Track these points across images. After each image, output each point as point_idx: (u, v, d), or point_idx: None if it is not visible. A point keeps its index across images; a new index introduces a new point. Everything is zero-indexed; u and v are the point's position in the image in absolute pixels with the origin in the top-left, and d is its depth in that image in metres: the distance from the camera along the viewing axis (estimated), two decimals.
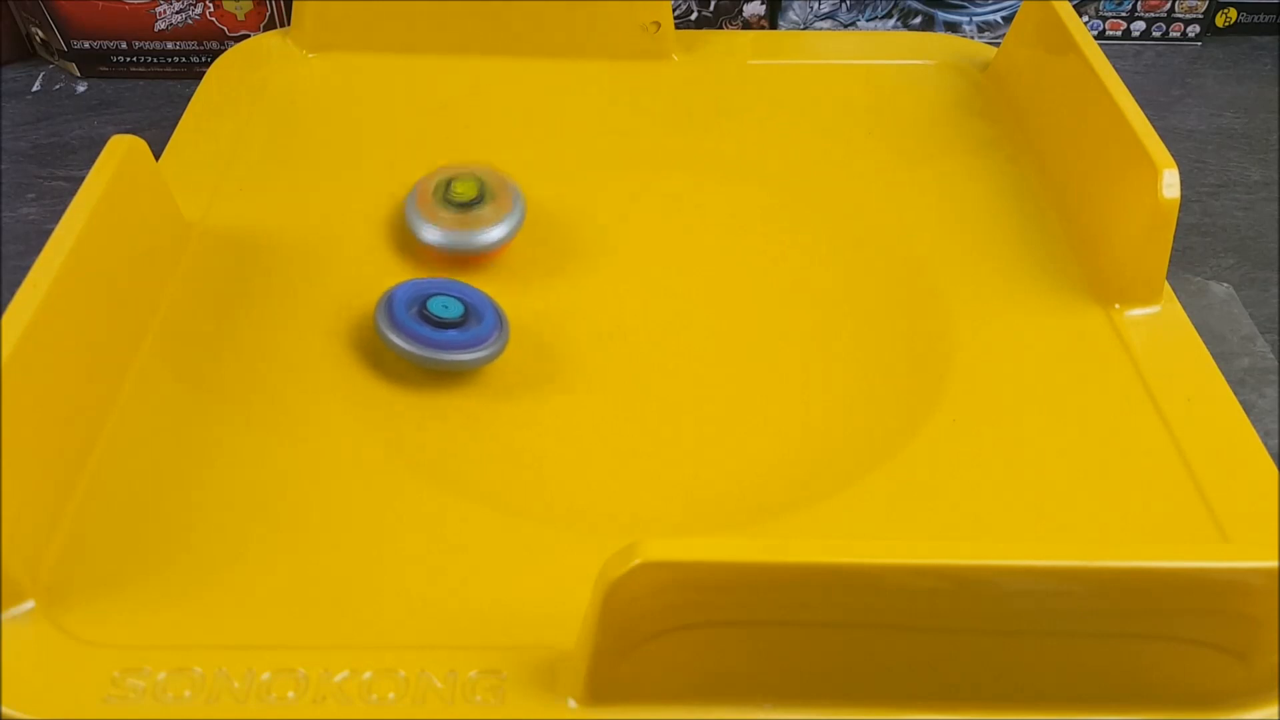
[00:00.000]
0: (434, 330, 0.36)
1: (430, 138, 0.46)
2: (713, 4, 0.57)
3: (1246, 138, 0.55)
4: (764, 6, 0.57)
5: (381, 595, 0.30)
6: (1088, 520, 0.32)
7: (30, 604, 0.28)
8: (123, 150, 0.36)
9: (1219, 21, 0.61)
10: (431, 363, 0.36)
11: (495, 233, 0.39)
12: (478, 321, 0.36)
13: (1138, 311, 0.38)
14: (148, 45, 0.55)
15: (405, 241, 0.41)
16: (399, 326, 0.36)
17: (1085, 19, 0.59)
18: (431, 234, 0.39)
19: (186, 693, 0.27)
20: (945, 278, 0.40)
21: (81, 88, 0.55)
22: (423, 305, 0.36)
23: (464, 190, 0.40)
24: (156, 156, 0.39)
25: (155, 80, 0.56)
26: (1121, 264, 0.39)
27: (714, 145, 0.46)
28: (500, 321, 0.37)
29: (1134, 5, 0.60)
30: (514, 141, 0.46)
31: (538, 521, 0.32)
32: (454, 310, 0.36)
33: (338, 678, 0.27)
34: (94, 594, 0.29)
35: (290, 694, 0.27)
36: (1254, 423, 0.35)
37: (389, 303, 0.36)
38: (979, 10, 0.58)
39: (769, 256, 0.42)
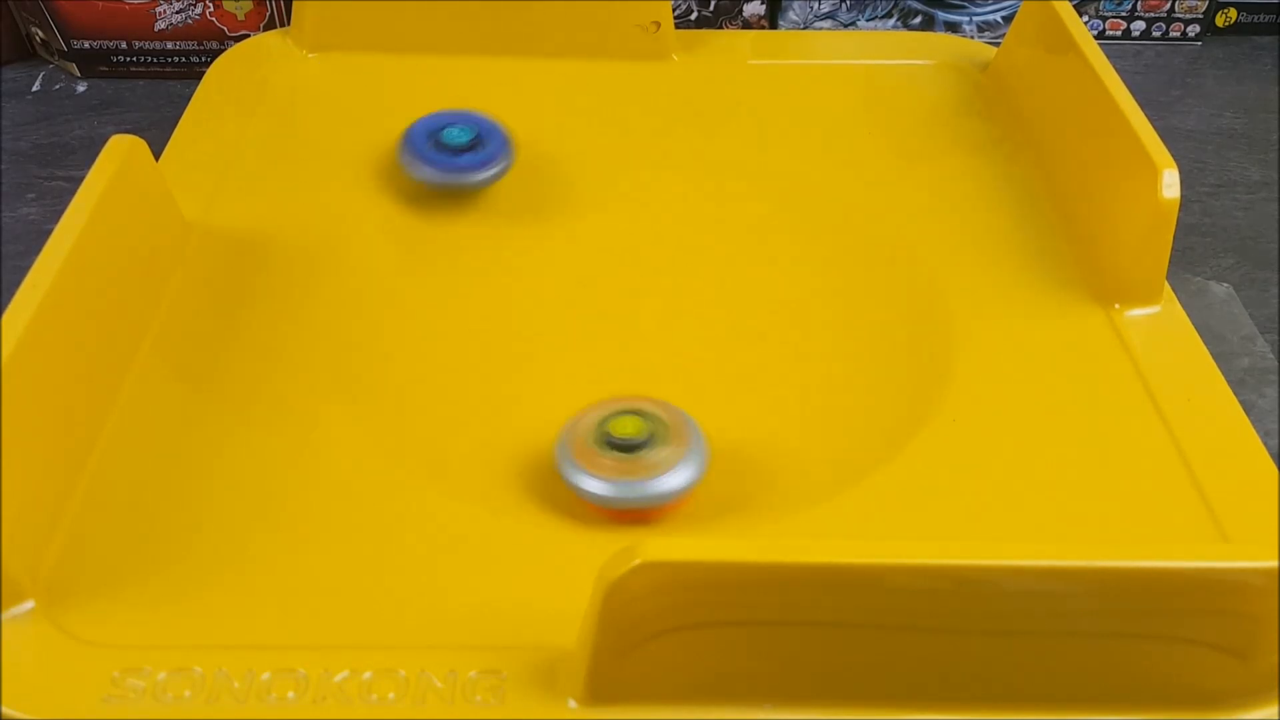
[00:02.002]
0: (450, 156, 0.41)
1: None
2: (713, 4, 0.57)
3: (1246, 138, 0.55)
4: (764, 6, 0.57)
5: (381, 595, 0.30)
6: (1088, 520, 0.32)
7: (30, 604, 0.28)
8: (123, 150, 0.36)
9: (1219, 21, 0.61)
10: (450, 186, 0.41)
11: (673, 480, 0.31)
12: (485, 145, 0.41)
13: (1138, 311, 0.38)
14: (148, 45, 0.55)
15: (405, 240, 0.41)
16: (419, 156, 0.40)
17: (1085, 19, 0.59)
18: (593, 485, 0.31)
19: (186, 693, 0.27)
20: (945, 278, 0.40)
21: (81, 88, 0.55)
22: (438, 136, 0.41)
23: (626, 429, 0.32)
24: (156, 156, 0.39)
25: (155, 80, 0.56)
26: (1121, 264, 0.39)
27: (714, 145, 0.46)
28: (507, 143, 0.42)
29: (1134, 5, 0.60)
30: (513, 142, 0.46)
31: (538, 521, 0.32)
32: (465, 137, 0.41)
33: (338, 678, 0.27)
34: (94, 594, 0.29)
35: (290, 694, 0.27)
36: (1254, 423, 0.35)
37: (408, 137, 0.41)
38: (979, 10, 0.58)
39: (768, 257, 0.42)
